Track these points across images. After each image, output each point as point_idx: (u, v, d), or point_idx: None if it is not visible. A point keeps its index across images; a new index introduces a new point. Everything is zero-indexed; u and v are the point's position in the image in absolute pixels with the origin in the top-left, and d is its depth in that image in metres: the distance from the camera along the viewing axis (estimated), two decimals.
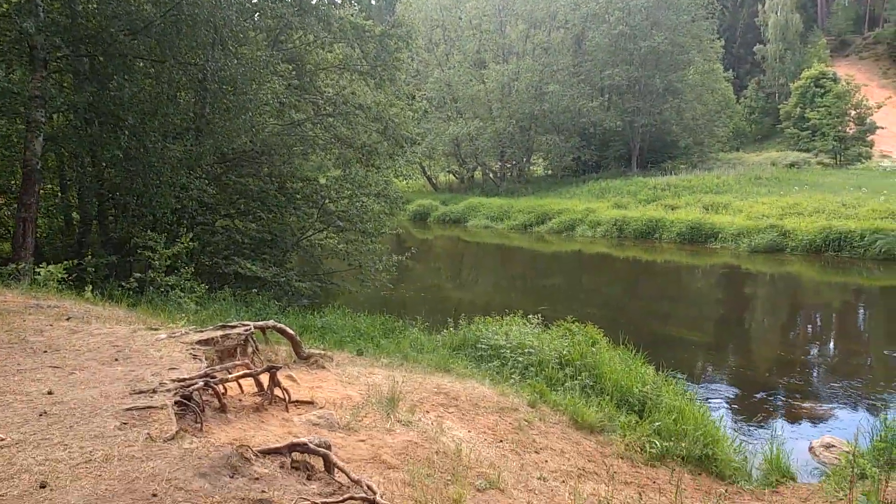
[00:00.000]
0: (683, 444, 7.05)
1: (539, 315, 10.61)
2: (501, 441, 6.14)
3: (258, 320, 7.52)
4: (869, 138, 45.45)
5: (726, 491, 6.78)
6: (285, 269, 14.54)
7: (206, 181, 12.83)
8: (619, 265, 24.21)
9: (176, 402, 4.55)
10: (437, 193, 40.91)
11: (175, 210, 12.54)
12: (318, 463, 4.05)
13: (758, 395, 10.81)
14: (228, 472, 3.52)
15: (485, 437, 6.14)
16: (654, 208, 29.25)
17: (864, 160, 43.93)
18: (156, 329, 6.79)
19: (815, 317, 17.22)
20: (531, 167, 44.25)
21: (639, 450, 6.95)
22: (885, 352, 13.36)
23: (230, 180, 14.09)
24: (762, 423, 9.61)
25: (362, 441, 5.17)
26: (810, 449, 8.81)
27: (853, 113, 45.85)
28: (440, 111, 41.14)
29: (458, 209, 34.30)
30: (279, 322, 8.55)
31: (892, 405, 9.85)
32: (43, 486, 3.25)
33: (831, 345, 14.24)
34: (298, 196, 15.59)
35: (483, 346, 9.34)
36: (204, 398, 4.94)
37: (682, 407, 8.05)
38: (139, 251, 11.66)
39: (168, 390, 4.72)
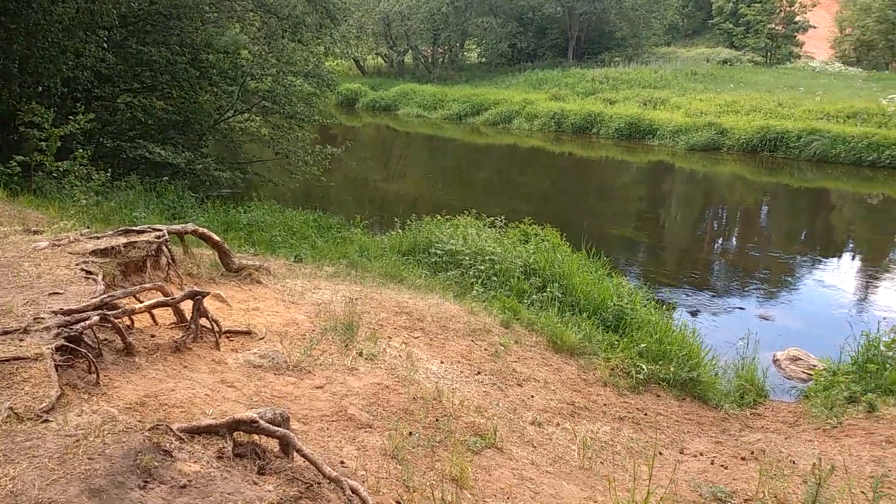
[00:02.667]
0: (671, 369, 6.34)
1: (482, 214, 9.60)
2: (480, 373, 5.17)
3: (175, 223, 6.07)
4: (799, 38, 45.47)
5: (714, 418, 6.18)
6: (201, 155, 12.73)
7: (105, 48, 10.67)
8: (556, 161, 23.34)
9: (58, 348, 3.24)
10: (365, 78, 38.26)
11: (67, 81, 10.41)
12: (272, 443, 2.90)
13: (705, 300, 10.40)
14: (139, 478, 2.31)
15: (461, 368, 5.15)
16: (592, 102, 28.20)
17: (793, 60, 44.09)
18: (36, 232, 5.26)
19: (753, 218, 17.06)
20: (465, 53, 41.94)
21: (623, 375, 6.19)
22: (834, 257, 13.27)
23: (133, 48, 11.86)
24: (716, 329, 9.17)
25: (320, 388, 4.04)
26: (775, 361, 8.36)
27: (786, 11, 45.46)
28: None
29: (388, 96, 32.13)
30: (199, 223, 7.12)
31: (856, 314, 9.57)
32: None
33: (776, 248, 14.03)
34: (214, 71, 13.48)
35: (438, 252, 8.24)
36: (101, 336, 3.63)
37: (657, 323, 7.34)
38: (23, 129, 9.66)
39: (46, 328, 3.37)
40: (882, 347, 6.79)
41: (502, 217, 9.54)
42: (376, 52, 39.94)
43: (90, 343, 3.41)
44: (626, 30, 41.12)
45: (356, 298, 5.73)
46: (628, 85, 30.46)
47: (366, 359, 4.64)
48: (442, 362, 5.13)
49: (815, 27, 46.79)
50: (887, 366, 6.59)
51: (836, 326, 9.18)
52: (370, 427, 3.69)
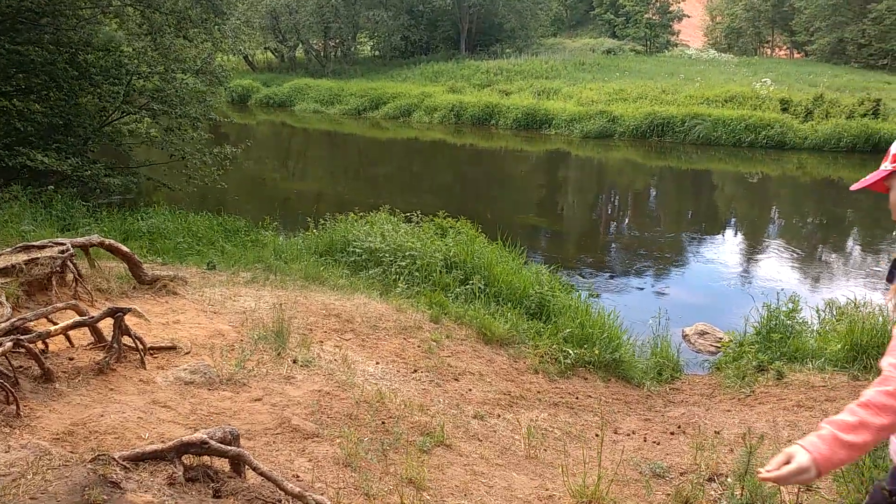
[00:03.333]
0: (596, 352, 6.53)
1: (394, 209, 9.55)
2: (416, 371, 5.12)
3: (76, 236, 5.61)
4: (675, 27, 48.09)
5: (639, 397, 6.43)
6: (89, 160, 11.86)
7: None
8: (459, 152, 23.54)
9: None
10: (256, 74, 37.01)
11: None
12: (223, 464, 2.73)
13: (610, 281, 10.82)
14: None
15: (397, 367, 5.07)
16: (489, 93, 28.62)
17: (670, 48, 46.58)
18: None
19: (647, 200, 17.90)
20: (358, 46, 41.44)
21: (552, 361, 6.32)
22: (730, 232, 14.14)
23: (3, 48, 10.86)
24: (626, 309, 9.53)
25: (258, 401, 3.85)
26: (684, 336, 8.79)
27: (661, 1, 47.98)
28: None
29: (282, 91, 31.21)
30: (96, 233, 6.63)
31: (750, 286, 10.22)
32: None
33: (670, 228, 14.80)
34: (95, 70, 12.58)
35: (357, 251, 8.09)
36: (16, 364, 3.30)
37: (577, 308, 7.56)
38: None
39: None
40: (783, 317, 7.26)
41: (418, 212, 9.48)
42: (265, 47, 38.72)
43: (5, 371, 3.08)
44: (514, 22, 41.99)
45: (282, 304, 5.51)
46: (521, 76, 31.15)
47: (301, 366, 4.47)
48: (378, 363, 5.04)
49: (689, 16, 49.72)
50: (789, 334, 7.06)
51: (733, 299, 9.80)
52: (318, 436, 3.55)
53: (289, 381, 4.18)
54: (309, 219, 9.40)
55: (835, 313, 7.66)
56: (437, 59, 37.51)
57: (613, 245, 13.47)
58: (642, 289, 10.64)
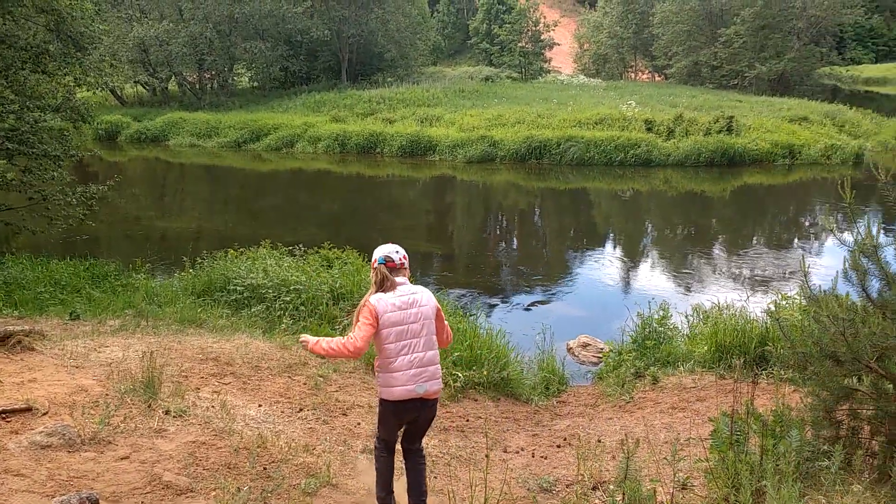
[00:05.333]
0: (484, 372, 6.62)
1: (277, 243, 9.36)
2: (302, 409, 4.98)
3: None
4: (547, 54, 50.42)
5: (527, 413, 6.57)
6: None
7: None
8: (345, 182, 23.41)
9: None
10: (126, 108, 35.19)
11: None
12: None
13: (499, 300, 11.08)
14: None
15: (281, 408, 4.92)
16: (372, 122, 28.72)
17: (544, 74, 48.73)
18: None
19: (530, 220, 18.53)
20: (235, 78, 40.43)
21: (442, 385, 6.33)
22: (612, 249, 14.83)
23: None
24: (514, 326, 9.75)
25: (125, 459, 3.61)
26: (569, 349, 9.09)
27: (533, 30, 50.23)
28: (118, 9, 34.94)
29: (155, 126, 29.83)
30: None
31: (628, 296, 10.75)
32: None
33: (552, 245, 15.37)
34: None
35: (238, 288, 7.82)
36: None
37: (466, 330, 7.65)
38: None
39: None
40: (655, 325, 7.68)
41: (300, 245, 9.31)
42: (136, 81, 36.99)
43: None
44: (394, 51, 42.55)
45: (153, 351, 5.22)
46: (404, 104, 31.52)
47: (174, 416, 4.24)
48: (260, 405, 4.86)
49: (559, 44, 52.30)
50: (662, 340, 7.48)
51: (613, 310, 10.26)
52: (191, 491, 3.37)
53: (160, 435, 3.95)
54: (184, 258, 8.98)
55: (701, 317, 8.19)
56: (319, 88, 37.29)
57: (501, 265, 13.80)
58: (529, 306, 10.94)
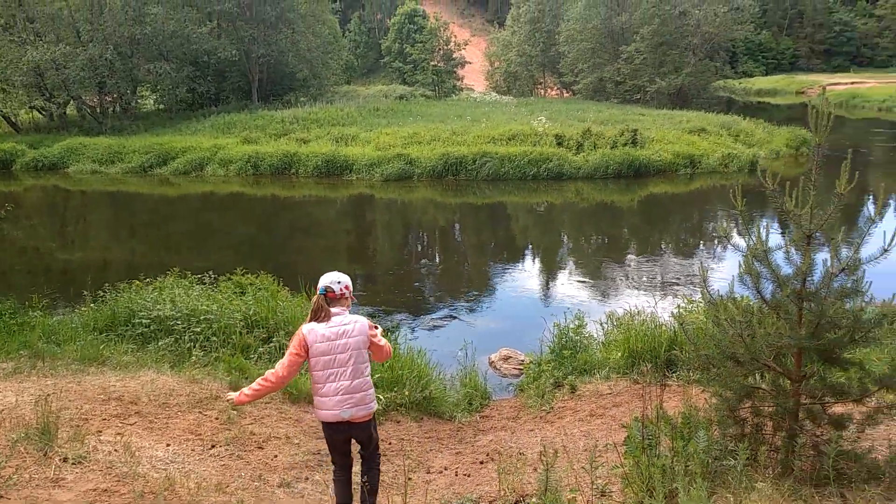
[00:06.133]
0: (406, 393, 6.56)
1: (186, 272, 9.03)
2: (214, 446, 4.77)
3: None
4: (459, 72, 51.23)
5: (450, 430, 6.55)
6: None
7: None
8: (260, 204, 22.87)
9: None
10: (21, 135, 33.13)
11: None
12: None
13: (421, 318, 11.06)
14: None
15: (192, 446, 4.69)
16: (286, 142, 28.21)
17: (457, 92, 49.46)
18: None
19: (449, 235, 18.65)
20: (140, 101, 38.87)
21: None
22: (521, 263, 15.07)
23: None
24: (437, 343, 9.76)
25: None
26: (490, 363, 9.16)
27: (444, 49, 51.02)
28: (10, 33, 33.02)
29: (53, 153, 28.18)
30: None
31: (546, 307, 10.94)
32: None
33: (472, 260, 15.51)
34: None
35: (144, 322, 7.45)
36: None
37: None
38: None
39: None
40: (571, 334, 7.84)
41: (210, 272, 8.98)
42: (30, 106, 34.97)
43: None
44: (306, 71, 42.14)
45: (49, 394, 4.88)
46: (318, 124, 31.18)
47: (73, 463, 3.96)
48: (168, 445, 4.62)
49: (470, 62, 53.30)
50: (578, 349, 7.64)
51: (533, 322, 10.40)
52: None
53: (57, 484, 3.68)
54: (85, 292, 8.48)
55: (615, 324, 8.42)
56: (229, 109, 36.39)
57: (422, 282, 13.78)
58: (451, 322, 10.97)
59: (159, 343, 6.97)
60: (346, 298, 3.97)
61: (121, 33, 33.58)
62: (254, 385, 3.89)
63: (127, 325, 7.54)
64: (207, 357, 6.67)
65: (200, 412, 5.23)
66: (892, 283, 9.96)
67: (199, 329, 7.15)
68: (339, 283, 3.92)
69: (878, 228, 3.79)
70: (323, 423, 3.90)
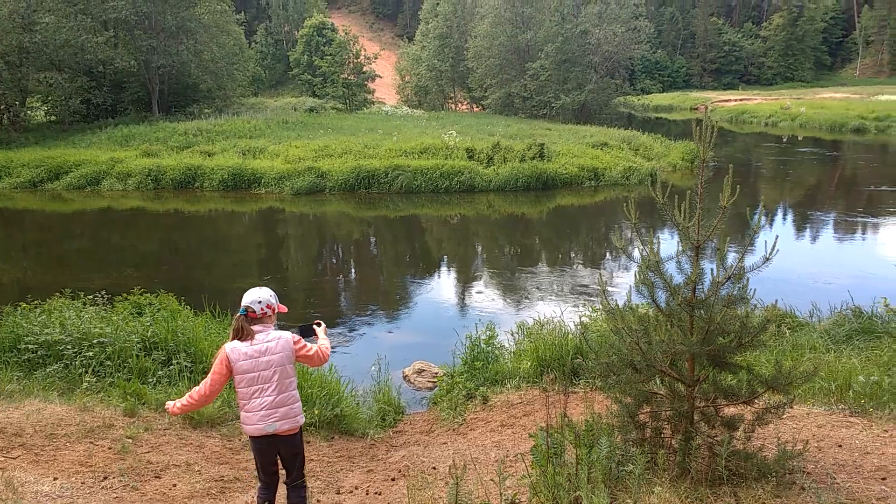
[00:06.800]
0: (316, 412, 6.41)
1: (79, 292, 8.55)
2: (107, 478, 4.49)
3: None
4: (370, 86, 51.13)
5: (362, 448, 6.45)
6: None
7: None
8: (162, 219, 21.91)
9: None
10: None
11: None
12: None
13: (335, 333, 10.88)
14: None
15: (82, 479, 4.39)
16: (189, 155, 27.21)
17: (368, 105, 49.33)
18: None
19: (364, 248, 18.51)
20: (30, 112, 36.50)
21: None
22: (435, 274, 15.12)
23: None
24: (350, 359, 9.63)
25: None
26: (404, 377, 9.11)
27: (354, 62, 50.81)
28: None
29: None
30: None
31: (459, 319, 11.01)
32: None
33: (387, 273, 15.44)
34: None
35: (30, 346, 6.94)
36: None
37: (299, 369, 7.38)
38: None
39: None
40: (483, 345, 7.92)
41: (103, 292, 8.51)
42: None
43: None
44: (210, 82, 40.93)
45: None
46: (224, 136, 30.31)
47: None
48: (56, 478, 4.31)
49: (381, 76, 53.31)
50: (489, 360, 7.72)
51: (447, 333, 10.44)
52: None
53: None
54: None
55: (524, 334, 8.57)
56: (127, 121, 34.80)
57: (335, 297, 13.59)
58: (365, 336, 10.86)
59: (47, 369, 6.52)
60: (270, 317, 4.03)
61: (8, 41, 31.54)
62: (182, 400, 4.01)
63: (12, 352, 7.01)
64: (101, 383, 6.30)
65: (91, 442, 4.91)
66: (774, 289, 10.66)
67: (91, 353, 6.74)
68: (259, 302, 3.95)
69: (762, 238, 4.04)
70: (250, 437, 3.99)
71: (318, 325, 4.40)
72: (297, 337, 4.11)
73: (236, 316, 3.96)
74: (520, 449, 5.35)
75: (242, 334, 3.91)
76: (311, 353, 4.13)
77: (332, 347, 10.00)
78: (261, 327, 3.95)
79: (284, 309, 4.20)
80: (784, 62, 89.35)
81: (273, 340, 3.95)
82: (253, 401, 3.89)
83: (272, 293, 4.07)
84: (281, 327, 4.20)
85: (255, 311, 3.93)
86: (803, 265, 14.19)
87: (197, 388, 4.00)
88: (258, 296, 3.98)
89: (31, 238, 19.66)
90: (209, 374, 3.95)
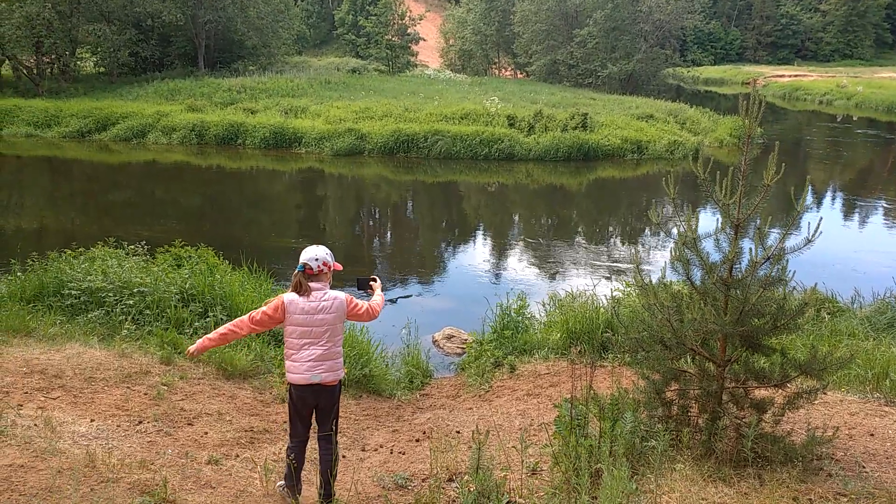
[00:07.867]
0: (345, 370, 6.50)
1: (122, 242, 8.77)
2: (142, 422, 4.65)
3: None
4: (414, 48, 50.63)
5: (389, 408, 6.55)
6: None
7: None
8: (205, 174, 22.26)
9: None
10: None
11: None
12: None
13: (363, 296, 10.96)
14: None
15: (118, 422, 4.56)
16: (232, 112, 27.48)
17: (411, 68, 48.93)
18: None
19: (401, 213, 18.56)
20: (79, 63, 37.17)
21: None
22: (477, 241, 15.11)
23: None
24: (381, 321, 9.69)
25: None
26: (434, 342, 9.18)
27: (399, 23, 50.28)
28: None
29: None
30: None
31: (492, 287, 11.01)
32: None
33: (423, 238, 15.48)
34: None
35: (73, 292, 7.17)
36: None
37: None
38: None
39: None
40: (513, 314, 7.92)
41: (144, 243, 8.71)
42: None
43: None
44: (256, 39, 41.01)
45: None
46: (267, 94, 30.47)
47: None
48: (93, 420, 4.48)
49: (425, 39, 52.70)
50: (519, 329, 7.72)
51: (479, 301, 10.46)
52: None
53: None
54: (13, 260, 8.11)
55: (556, 305, 8.54)
56: (174, 76, 35.20)
57: (371, 260, 13.69)
58: (398, 299, 10.94)
59: (89, 315, 6.74)
60: (326, 274, 4.14)
61: None
62: (221, 329, 4.03)
63: (56, 296, 7.25)
64: (140, 331, 6.48)
65: (129, 387, 5.08)
66: (815, 273, 10.34)
67: (131, 302, 6.93)
68: (316, 259, 4.05)
69: (806, 219, 3.91)
70: (292, 386, 4.08)
71: (375, 280, 4.61)
72: (350, 297, 4.25)
73: (295, 272, 4.08)
74: (544, 419, 5.37)
75: (301, 289, 4.04)
76: (361, 311, 4.29)
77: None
78: (318, 284, 4.08)
79: (339, 267, 4.29)
80: (843, 38, 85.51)
81: (329, 300, 4.08)
82: (302, 351, 4.03)
83: (328, 251, 4.18)
84: (335, 286, 4.29)
85: (311, 268, 4.05)
86: (848, 250, 13.77)
87: (241, 317, 4.08)
88: (315, 253, 4.09)
89: (77, 188, 20.20)
90: (259, 311, 4.03)
